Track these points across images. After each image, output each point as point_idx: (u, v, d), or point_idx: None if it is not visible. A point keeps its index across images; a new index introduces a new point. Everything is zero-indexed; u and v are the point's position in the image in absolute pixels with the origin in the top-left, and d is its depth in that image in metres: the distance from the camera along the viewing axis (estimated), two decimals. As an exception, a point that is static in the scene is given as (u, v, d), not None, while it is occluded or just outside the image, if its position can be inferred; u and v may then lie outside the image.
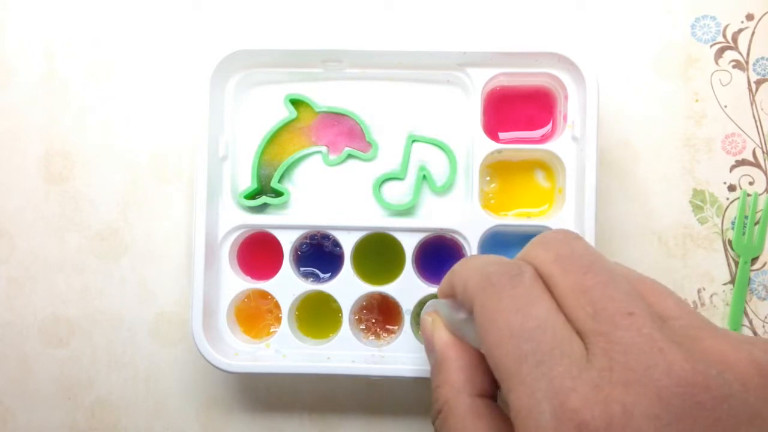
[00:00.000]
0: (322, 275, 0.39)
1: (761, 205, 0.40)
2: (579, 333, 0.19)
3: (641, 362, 0.17)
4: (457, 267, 0.25)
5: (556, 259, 0.21)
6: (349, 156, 0.39)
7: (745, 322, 0.40)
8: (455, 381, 0.23)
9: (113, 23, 0.43)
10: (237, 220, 0.38)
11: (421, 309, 0.38)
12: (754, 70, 0.41)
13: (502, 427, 0.22)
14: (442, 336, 0.25)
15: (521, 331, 0.19)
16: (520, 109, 0.39)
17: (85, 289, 0.42)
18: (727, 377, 0.17)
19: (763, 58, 0.41)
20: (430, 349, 0.25)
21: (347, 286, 0.38)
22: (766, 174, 0.40)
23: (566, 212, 0.37)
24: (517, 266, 0.21)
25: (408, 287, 0.38)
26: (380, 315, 0.39)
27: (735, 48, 0.41)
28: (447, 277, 0.26)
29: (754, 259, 0.40)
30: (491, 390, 0.23)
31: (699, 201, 0.41)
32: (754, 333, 0.40)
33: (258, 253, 0.39)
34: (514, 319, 0.19)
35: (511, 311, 0.20)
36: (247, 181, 0.39)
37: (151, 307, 0.42)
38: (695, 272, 0.40)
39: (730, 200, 0.40)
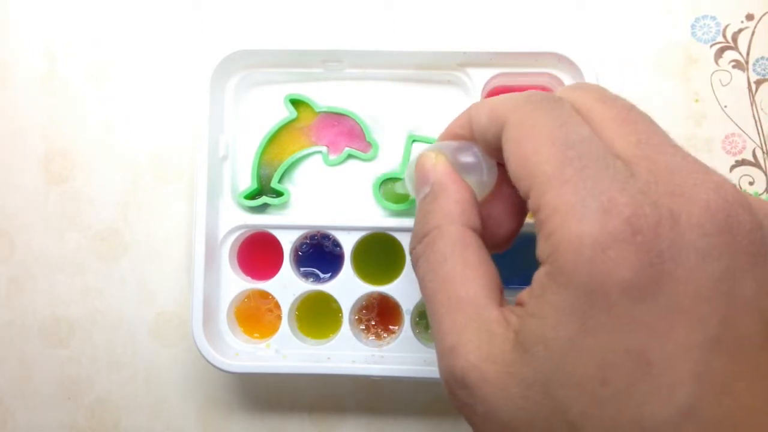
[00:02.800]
0: (322, 275, 0.39)
1: (761, 205, 0.40)
2: (620, 158, 0.19)
3: (689, 180, 0.17)
4: (476, 104, 0.24)
5: (599, 98, 0.21)
6: (349, 156, 0.39)
7: (745, 322, 0.40)
8: (452, 210, 0.22)
9: (113, 23, 0.43)
10: (237, 220, 0.38)
11: (421, 309, 0.39)
12: (754, 70, 0.41)
13: (489, 264, 0.21)
14: (446, 169, 0.24)
15: (565, 141, 0.19)
16: (520, 109, 0.39)
17: (85, 289, 0.42)
18: (764, 209, 0.18)
19: (763, 58, 0.41)
20: (425, 180, 0.24)
21: (347, 286, 0.38)
22: (766, 174, 0.40)
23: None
24: (554, 96, 0.21)
25: (408, 287, 0.38)
26: (380, 315, 0.39)
27: (735, 48, 0.41)
28: (464, 113, 0.25)
29: (754, 259, 0.40)
30: (480, 230, 0.23)
31: (699, 201, 0.40)
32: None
33: (258, 253, 0.39)
34: (557, 131, 0.19)
35: (553, 125, 0.19)
36: (247, 181, 0.39)
37: (151, 307, 0.42)
38: (695, 272, 0.40)
39: (730, 200, 0.40)
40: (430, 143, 0.39)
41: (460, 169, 0.24)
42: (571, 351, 0.17)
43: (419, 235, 0.23)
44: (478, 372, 0.19)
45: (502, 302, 0.21)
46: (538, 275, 0.19)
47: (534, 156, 0.19)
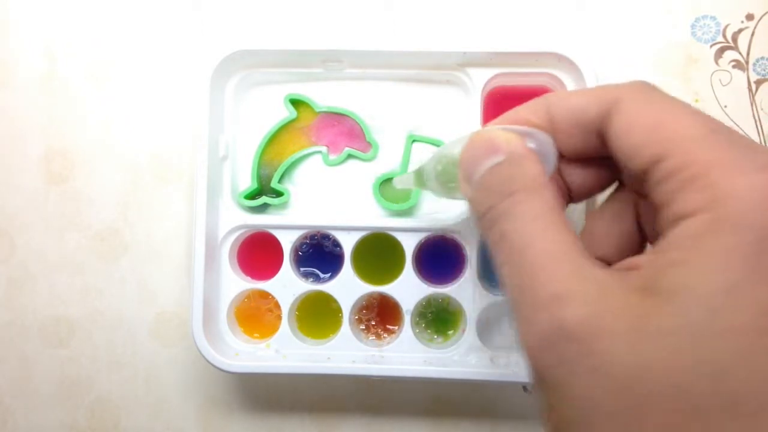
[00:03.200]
0: (322, 275, 0.39)
1: (761, 205, 0.40)
2: None
3: None
4: (557, 92, 0.24)
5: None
6: (349, 156, 0.39)
7: (745, 322, 0.40)
8: (539, 174, 0.22)
9: (113, 23, 0.43)
10: (237, 220, 0.38)
11: (421, 309, 0.39)
12: (754, 70, 0.41)
13: (574, 233, 0.21)
14: (521, 141, 0.23)
15: (702, 114, 0.20)
16: (520, 109, 0.39)
17: (85, 289, 0.42)
18: None
19: (763, 58, 0.41)
20: (494, 150, 0.22)
21: (347, 286, 0.38)
22: (766, 174, 0.40)
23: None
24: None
25: (408, 287, 0.38)
26: (380, 315, 0.39)
27: (735, 48, 0.41)
28: (528, 105, 0.24)
29: (754, 259, 0.40)
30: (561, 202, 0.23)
31: (699, 201, 0.40)
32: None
33: (258, 253, 0.39)
34: (689, 106, 0.20)
35: (681, 101, 0.20)
36: (247, 181, 0.39)
37: (151, 307, 0.42)
38: (695, 272, 0.40)
39: (730, 200, 0.40)
40: (432, 143, 0.39)
41: None
42: (731, 297, 0.17)
43: (496, 198, 0.22)
44: (596, 322, 0.18)
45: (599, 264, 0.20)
46: (687, 226, 0.18)
47: (674, 122, 0.20)
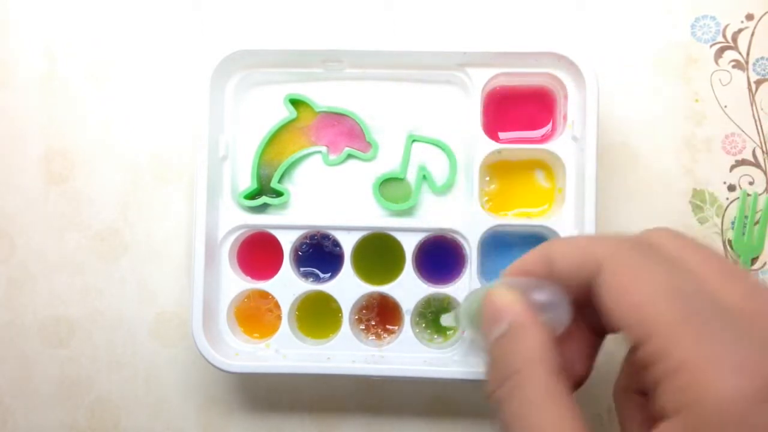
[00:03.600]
0: (322, 275, 0.39)
1: (761, 205, 0.40)
2: (732, 312, 0.19)
3: None
4: (556, 242, 0.24)
5: (687, 244, 0.21)
6: (349, 156, 0.39)
7: (745, 322, 0.40)
8: (535, 352, 0.22)
9: (113, 23, 0.43)
10: (237, 220, 0.38)
11: (421, 309, 0.39)
12: (754, 70, 0.41)
13: (575, 409, 0.21)
14: (523, 308, 0.23)
15: (680, 291, 0.19)
16: (520, 109, 0.39)
17: (85, 289, 0.42)
18: None
19: (763, 58, 0.41)
20: (497, 319, 0.23)
21: (347, 286, 0.38)
22: (766, 174, 0.40)
23: (566, 212, 0.37)
24: (643, 239, 0.21)
25: (408, 287, 0.38)
26: (380, 315, 0.39)
27: (735, 48, 0.41)
28: (538, 253, 0.24)
29: (754, 259, 0.40)
30: (562, 373, 0.22)
31: (699, 201, 0.41)
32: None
33: (258, 253, 0.39)
34: (669, 279, 0.19)
35: (662, 272, 0.19)
36: (247, 181, 0.39)
37: (151, 307, 0.42)
38: (695, 272, 0.40)
39: (730, 200, 0.40)
40: (432, 143, 0.39)
41: (535, 307, 0.23)
42: None
43: (500, 378, 0.22)
44: None
45: None
46: (672, 426, 0.18)
47: (649, 305, 0.19)
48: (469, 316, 0.27)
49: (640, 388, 0.24)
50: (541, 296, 0.23)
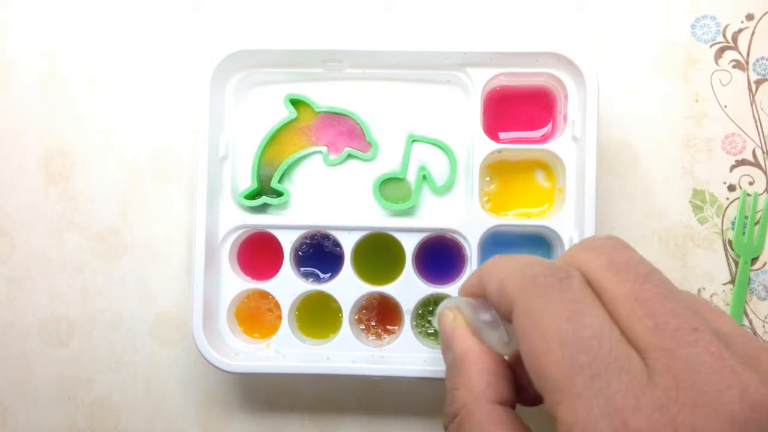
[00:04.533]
0: (322, 275, 0.39)
1: (761, 205, 0.40)
2: (636, 347, 0.17)
3: (711, 383, 0.16)
4: (490, 264, 0.23)
5: (609, 266, 0.19)
6: (349, 156, 0.39)
7: (745, 322, 0.40)
8: (475, 385, 0.22)
9: (113, 24, 0.43)
10: (237, 220, 0.38)
11: (421, 309, 0.39)
12: (754, 70, 0.41)
13: None
14: (464, 336, 0.23)
15: (574, 341, 0.17)
16: (520, 109, 0.39)
17: (85, 289, 0.42)
18: None
19: (763, 58, 0.41)
20: (448, 347, 0.24)
21: (347, 286, 0.38)
22: (766, 174, 0.40)
23: (566, 212, 0.37)
24: (564, 269, 0.20)
25: (408, 287, 0.38)
26: (380, 315, 0.39)
27: (735, 48, 0.41)
28: (476, 275, 0.24)
29: (754, 259, 0.40)
30: (511, 398, 0.22)
31: (699, 201, 0.41)
32: (754, 333, 0.40)
33: (258, 253, 0.39)
34: (566, 327, 0.18)
35: (561, 317, 0.18)
36: (247, 181, 0.39)
37: (151, 307, 0.42)
38: (695, 272, 0.40)
39: (730, 200, 0.40)
40: (432, 143, 0.39)
41: (482, 326, 0.23)
42: None
43: (449, 415, 0.22)
44: None
45: None
46: None
47: (543, 356, 0.18)
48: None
49: None
50: (485, 316, 0.23)
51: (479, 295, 0.24)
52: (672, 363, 0.16)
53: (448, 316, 0.24)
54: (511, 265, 0.21)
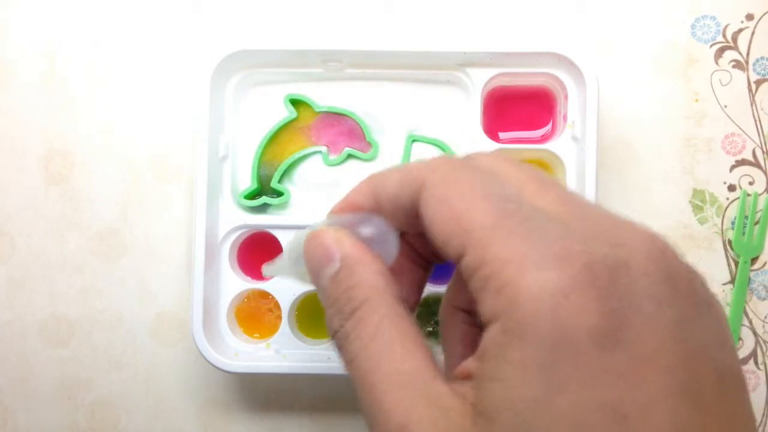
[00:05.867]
0: (322, 275, 0.39)
1: (761, 205, 0.40)
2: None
3: (623, 231, 0.18)
4: (380, 172, 0.23)
5: (508, 160, 0.21)
6: (349, 156, 0.39)
7: (745, 321, 0.40)
8: (377, 281, 0.21)
9: (113, 23, 0.43)
10: (237, 220, 0.38)
11: (420, 310, 0.39)
12: (754, 70, 0.41)
13: (422, 336, 0.20)
14: (351, 240, 0.22)
15: (499, 194, 0.18)
16: (520, 109, 0.39)
17: (85, 289, 0.42)
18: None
19: (763, 58, 0.41)
20: (329, 258, 0.22)
21: (347, 286, 0.38)
22: (766, 174, 0.40)
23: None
24: (468, 156, 0.21)
25: (408, 287, 0.37)
26: (380, 315, 0.39)
27: (735, 48, 0.41)
28: (358, 186, 0.24)
29: (754, 259, 0.40)
30: (409, 301, 0.22)
31: (699, 201, 0.41)
32: (754, 333, 0.40)
33: (258, 253, 0.39)
34: (489, 186, 0.19)
35: (482, 180, 0.19)
36: (247, 181, 0.39)
37: (151, 307, 0.42)
38: (695, 272, 0.40)
39: (730, 200, 0.40)
40: (432, 143, 0.39)
41: (364, 242, 0.23)
42: (542, 411, 0.16)
43: (345, 312, 0.21)
44: None
45: (444, 378, 0.19)
46: (491, 334, 0.17)
47: (468, 211, 0.18)
48: (294, 261, 0.25)
49: (465, 307, 0.24)
50: (367, 231, 0.23)
51: (363, 207, 0.23)
52: (585, 221, 0.18)
53: (327, 231, 0.23)
54: (412, 163, 0.22)
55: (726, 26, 0.41)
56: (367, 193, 0.23)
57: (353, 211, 0.23)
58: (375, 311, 0.20)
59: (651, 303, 0.16)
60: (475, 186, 0.19)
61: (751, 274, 0.40)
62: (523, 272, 0.16)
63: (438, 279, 0.38)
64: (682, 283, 0.17)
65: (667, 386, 0.15)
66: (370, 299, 0.21)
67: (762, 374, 0.40)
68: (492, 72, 0.37)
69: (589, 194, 0.36)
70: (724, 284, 0.40)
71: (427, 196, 0.20)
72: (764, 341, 0.40)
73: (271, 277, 0.38)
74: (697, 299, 0.17)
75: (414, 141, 0.39)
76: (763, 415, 0.40)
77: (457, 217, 0.19)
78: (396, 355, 0.19)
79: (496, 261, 0.17)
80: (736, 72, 0.41)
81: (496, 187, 0.19)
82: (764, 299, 0.40)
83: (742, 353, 0.40)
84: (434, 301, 0.39)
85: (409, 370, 0.19)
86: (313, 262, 0.23)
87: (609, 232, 0.17)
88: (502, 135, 0.39)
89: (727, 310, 0.40)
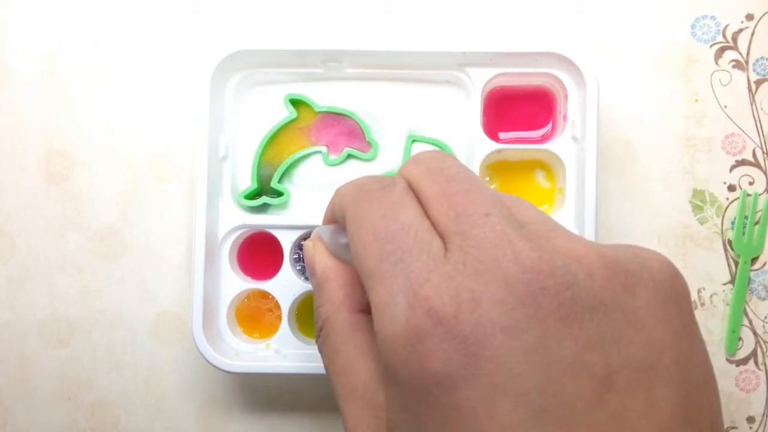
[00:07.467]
0: (322, 275, 0.39)
1: (761, 205, 0.40)
2: (441, 235, 0.19)
3: (491, 254, 0.17)
4: (339, 188, 0.24)
5: (426, 172, 0.21)
6: (349, 156, 0.39)
7: (745, 321, 0.40)
8: (335, 298, 0.23)
9: (113, 23, 0.43)
10: (237, 220, 0.38)
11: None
12: (754, 70, 0.41)
13: (373, 345, 0.22)
14: (323, 258, 0.25)
15: (385, 233, 0.19)
16: (520, 109, 0.39)
17: (85, 289, 0.42)
18: (572, 267, 0.17)
19: (763, 58, 0.41)
20: (312, 272, 0.25)
21: (347, 286, 0.38)
22: (766, 174, 0.40)
23: (566, 212, 0.37)
24: (389, 179, 0.22)
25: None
26: (380, 315, 0.39)
27: (735, 48, 0.41)
28: (331, 200, 0.26)
29: (754, 259, 0.40)
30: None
31: (699, 201, 0.41)
32: (754, 333, 0.40)
33: (258, 253, 0.39)
34: (380, 223, 0.20)
35: (377, 216, 0.20)
36: (247, 181, 0.39)
37: (151, 307, 0.42)
38: (695, 272, 0.40)
39: (730, 200, 0.40)
40: (432, 143, 0.39)
41: (341, 250, 0.24)
42: None
43: (317, 329, 0.24)
44: None
45: None
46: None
47: (361, 251, 0.20)
48: None
49: None
50: (341, 239, 0.25)
51: (334, 221, 0.25)
52: (464, 242, 0.18)
53: (308, 245, 0.26)
54: (349, 184, 0.23)
55: (726, 26, 0.41)
56: (329, 209, 0.25)
57: (329, 222, 0.26)
58: (333, 329, 0.23)
59: (501, 334, 0.16)
60: (368, 224, 0.20)
61: (751, 274, 0.40)
62: (383, 323, 0.18)
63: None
64: (546, 301, 0.17)
65: (519, 414, 0.16)
66: (329, 318, 0.23)
67: (762, 374, 0.40)
68: (492, 72, 0.37)
69: (589, 194, 0.36)
70: (724, 284, 0.40)
71: (347, 229, 0.22)
72: (764, 341, 0.40)
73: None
74: (566, 311, 0.17)
75: (414, 141, 0.39)
76: (763, 415, 0.40)
77: (357, 257, 0.20)
78: (348, 371, 0.22)
79: (373, 306, 0.19)
80: (736, 72, 0.41)
81: (386, 221, 0.20)
82: (764, 299, 0.40)
83: (742, 353, 0.40)
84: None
85: (357, 385, 0.21)
86: (308, 270, 0.26)
87: (480, 256, 0.18)
88: (502, 135, 0.39)
89: (727, 311, 0.40)
